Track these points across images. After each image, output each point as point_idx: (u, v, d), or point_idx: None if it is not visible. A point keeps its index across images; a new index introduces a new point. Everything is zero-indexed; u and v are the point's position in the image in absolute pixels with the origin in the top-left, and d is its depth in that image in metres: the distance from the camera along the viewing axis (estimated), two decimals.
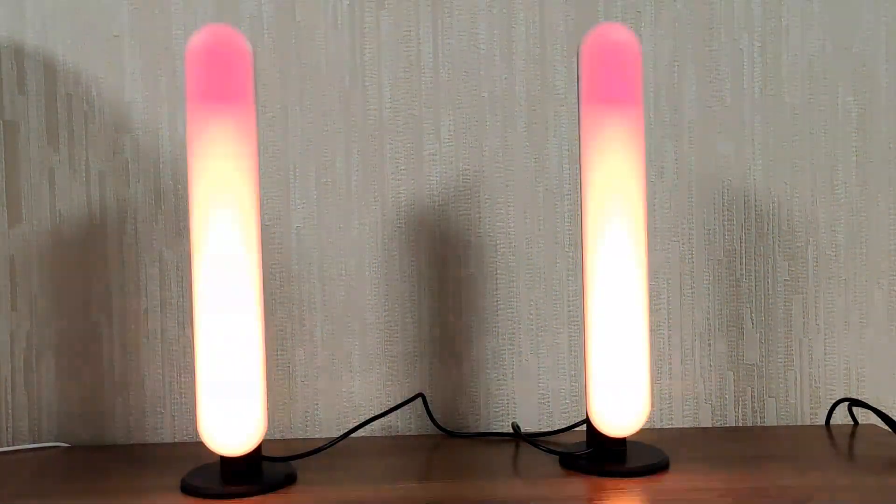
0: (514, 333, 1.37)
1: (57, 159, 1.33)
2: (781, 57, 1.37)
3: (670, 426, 1.38)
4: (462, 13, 1.35)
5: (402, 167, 1.36)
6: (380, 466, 1.20)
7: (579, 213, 1.28)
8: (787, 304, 1.38)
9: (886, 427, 1.27)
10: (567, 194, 1.36)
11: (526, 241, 1.37)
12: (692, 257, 1.38)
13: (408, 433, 1.36)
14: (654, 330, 1.37)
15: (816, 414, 1.38)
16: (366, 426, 1.28)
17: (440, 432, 1.33)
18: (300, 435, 1.36)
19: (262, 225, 1.12)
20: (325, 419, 1.36)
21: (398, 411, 1.34)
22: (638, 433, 1.17)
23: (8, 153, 1.33)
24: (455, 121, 1.36)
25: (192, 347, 1.30)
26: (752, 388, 1.38)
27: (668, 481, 1.12)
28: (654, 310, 1.36)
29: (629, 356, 1.13)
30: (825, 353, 1.39)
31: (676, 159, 1.37)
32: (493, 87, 1.36)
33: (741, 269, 1.38)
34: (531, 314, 1.37)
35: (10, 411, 1.34)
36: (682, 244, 1.38)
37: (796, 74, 1.37)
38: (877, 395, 1.39)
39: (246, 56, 1.08)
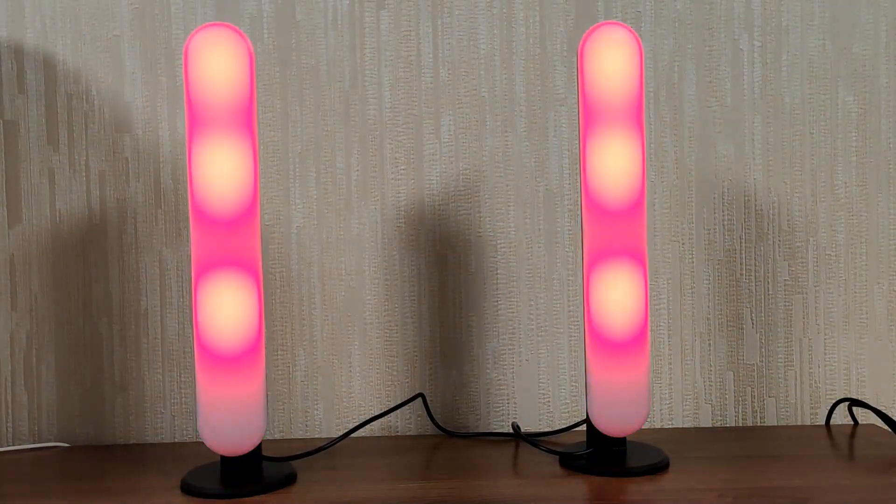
0: (514, 333, 1.37)
1: (57, 159, 1.33)
2: (781, 57, 1.37)
3: (670, 426, 1.38)
4: (462, 13, 1.35)
5: (402, 167, 1.36)
6: (380, 466, 1.20)
7: (579, 213, 1.28)
8: (787, 304, 1.38)
9: (886, 427, 1.27)
10: (567, 194, 1.36)
11: (526, 241, 1.37)
12: (692, 257, 1.38)
13: (408, 433, 1.36)
14: (654, 330, 1.37)
15: (816, 414, 1.38)
16: (366, 426, 1.28)
17: (440, 432, 1.33)
18: (300, 435, 1.36)
19: (262, 225, 1.11)
20: (325, 419, 1.36)
21: (398, 411, 1.34)
22: (638, 433, 1.17)
23: (8, 153, 1.33)
24: (455, 121, 1.36)
25: (191, 347, 1.30)
26: (752, 388, 1.38)
27: (668, 481, 1.12)
28: (654, 310, 1.36)
29: (629, 356, 1.13)
30: (825, 353, 1.39)
31: (676, 159, 1.37)
32: (493, 87, 1.36)
33: (741, 269, 1.38)
34: (531, 314, 1.37)
35: (10, 411, 1.34)
36: (682, 244, 1.38)
37: (796, 74, 1.37)
38: (877, 395, 1.39)
39: (246, 54, 1.08)
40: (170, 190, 1.34)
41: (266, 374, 1.12)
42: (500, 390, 1.37)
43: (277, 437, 1.35)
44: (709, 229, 1.38)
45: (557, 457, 1.18)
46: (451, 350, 1.37)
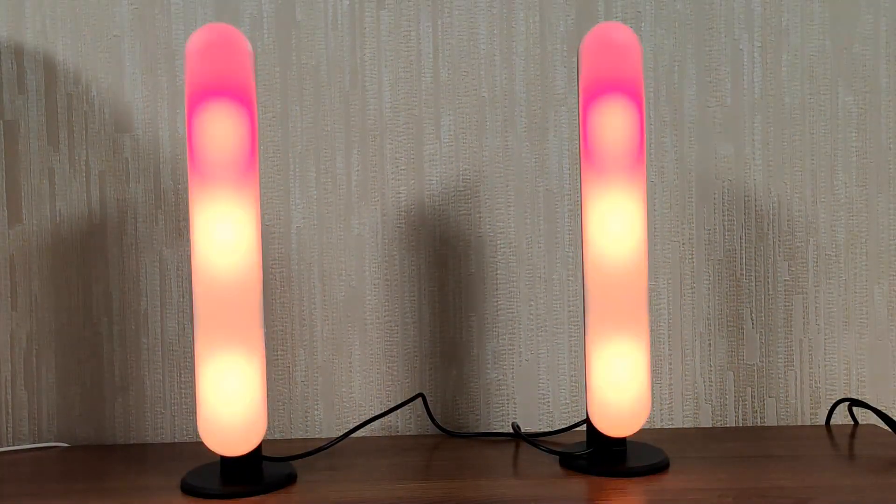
0: (514, 333, 1.37)
1: (57, 159, 1.33)
2: (781, 57, 1.37)
3: (670, 426, 1.38)
4: (462, 13, 1.35)
5: (402, 167, 1.36)
6: (380, 466, 1.20)
7: (579, 213, 1.28)
8: (787, 304, 1.38)
9: (886, 427, 1.27)
10: (567, 194, 1.36)
11: (526, 241, 1.37)
12: (692, 257, 1.38)
13: (408, 433, 1.36)
14: (654, 330, 1.37)
15: (816, 414, 1.38)
16: (366, 426, 1.28)
17: (440, 432, 1.33)
18: (300, 435, 1.36)
19: (262, 225, 1.12)
20: (325, 419, 1.36)
21: (398, 411, 1.34)
22: (638, 433, 1.17)
23: (8, 153, 1.33)
24: (455, 121, 1.36)
25: (192, 347, 1.30)
26: (752, 388, 1.38)
27: (668, 481, 1.12)
28: (654, 310, 1.36)
29: (629, 356, 1.13)
30: (825, 353, 1.39)
31: (676, 159, 1.37)
32: (493, 87, 1.36)
33: (741, 269, 1.38)
34: (531, 314, 1.37)
35: (10, 411, 1.34)
36: (682, 244, 1.38)
37: (796, 74, 1.37)
38: (877, 395, 1.39)
39: (246, 54, 1.08)
40: (170, 190, 1.34)
41: (266, 374, 1.12)
42: (500, 390, 1.37)
43: (277, 437, 1.35)
44: (709, 229, 1.38)
45: (557, 457, 1.18)
46: (451, 350, 1.37)
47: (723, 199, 1.37)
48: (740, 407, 1.38)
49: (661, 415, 1.38)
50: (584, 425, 1.20)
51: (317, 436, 1.35)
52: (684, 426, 1.38)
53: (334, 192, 1.35)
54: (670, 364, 1.38)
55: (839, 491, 1.08)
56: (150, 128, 1.34)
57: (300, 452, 1.17)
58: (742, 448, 1.25)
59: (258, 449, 1.12)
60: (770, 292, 1.38)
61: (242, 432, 1.09)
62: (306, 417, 1.36)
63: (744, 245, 1.38)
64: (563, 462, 1.17)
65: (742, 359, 1.38)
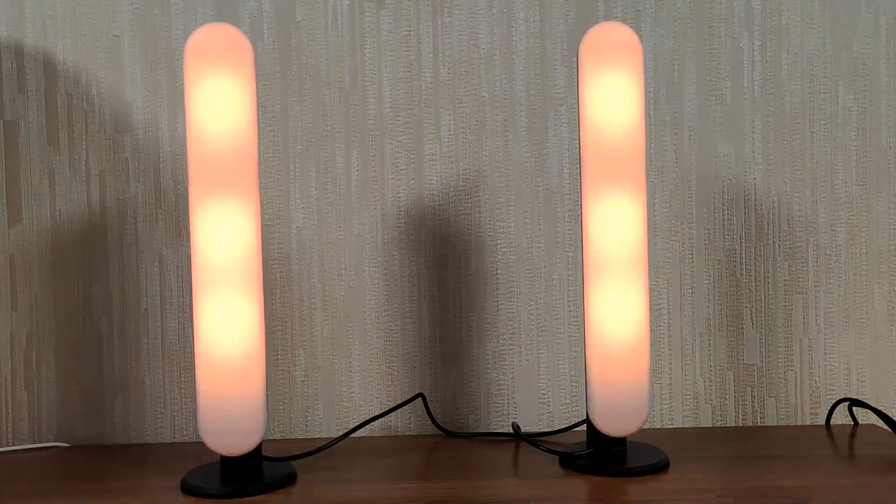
0: (514, 333, 1.37)
1: (57, 159, 1.33)
2: (781, 56, 1.37)
3: (670, 426, 1.38)
4: (462, 13, 1.35)
5: (402, 167, 1.36)
6: (380, 466, 1.20)
7: (579, 213, 1.28)
8: (787, 304, 1.38)
9: (886, 427, 1.27)
10: (567, 194, 1.36)
11: (526, 241, 1.37)
12: (692, 257, 1.38)
13: (408, 433, 1.36)
14: (654, 330, 1.37)
15: (816, 414, 1.38)
16: (366, 426, 1.28)
17: (440, 432, 1.33)
18: (300, 435, 1.36)
19: (262, 225, 1.12)
20: (325, 419, 1.36)
21: (398, 411, 1.34)
22: (638, 433, 1.17)
23: (8, 153, 1.33)
24: (455, 121, 1.36)
25: (192, 347, 1.30)
26: (752, 388, 1.38)
27: (668, 481, 1.12)
28: (654, 310, 1.36)
29: (629, 356, 1.13)
30: (825, 353, 1.38)
31: (676, 159, 1.37)
32: (493, 87, 1.36)
33: (741, 269, 1.38)
34: (531, 314, 1.37)
35: (10, 411, 1.34)
36: (682, 244, 1.38)
37: (796, 74, 1.37)
38: (877, 395, 1.38)
39: (246, 54, 1.08)
40: (170, 190, 1.34)
41: (266, 375, 1.12)
42: (500, 390, 1.37)
43: (277, 437, 1.35)
44: (709, 229, 1.38)
45: (557, 457, 1.18)
46: (451, 350, 1.37)
47: (723, 198, 1.37)
48: (740, 407, 1.38)
49: (661, 415, 1.38)
50: (584, 425, 1.20)
51: (317, 436, 1.35)
52: (684, 426, 1.38)
53: (334, 192, 1.35)
54: (670, 364, 1.38)
55: (839, 491, 1.08)
56: (150, 128, 1.34)
57: (300, 452, 1.17)
58: (742, 448, 1.25)
59: (258, 449, 1.12)
60: (770, 292, 1.38)
61: (242, 432, 1.09)
62: (306, 417, 1.36)
63: (744, 245, 1.38)
64: (563, 462, 1.17)
65: (742, 359, 1.38)
